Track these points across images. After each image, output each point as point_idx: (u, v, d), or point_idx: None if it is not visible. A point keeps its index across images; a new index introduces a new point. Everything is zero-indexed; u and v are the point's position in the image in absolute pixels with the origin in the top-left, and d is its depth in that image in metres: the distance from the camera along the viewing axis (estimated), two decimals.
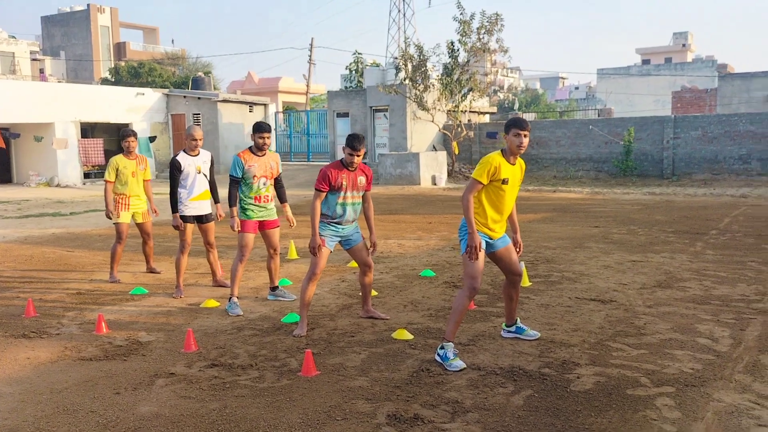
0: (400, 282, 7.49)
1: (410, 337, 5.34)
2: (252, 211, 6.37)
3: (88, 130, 28.04)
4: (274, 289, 6.80)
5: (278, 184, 6.60)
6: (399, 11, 48.17)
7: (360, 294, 6.22)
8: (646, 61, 64.85)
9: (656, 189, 19.54)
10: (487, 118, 30.10)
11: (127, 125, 28.06)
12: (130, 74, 42.46)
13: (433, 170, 23.14)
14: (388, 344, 5.19)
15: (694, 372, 4.40)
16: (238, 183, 6.31)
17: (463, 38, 23.63)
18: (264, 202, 6.39)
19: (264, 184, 6.35)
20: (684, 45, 67.53)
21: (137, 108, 28.20)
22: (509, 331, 5.25)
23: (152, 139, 27.63)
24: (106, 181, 7.83)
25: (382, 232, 11.56)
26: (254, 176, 6.25)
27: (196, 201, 6.99)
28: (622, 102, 50.95)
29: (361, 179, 5.57)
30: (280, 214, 6.75)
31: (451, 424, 3.71)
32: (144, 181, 8.01)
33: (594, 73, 61.93)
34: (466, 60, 23.87)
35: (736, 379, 4.28)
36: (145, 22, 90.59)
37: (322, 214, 5.52)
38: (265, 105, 31.03)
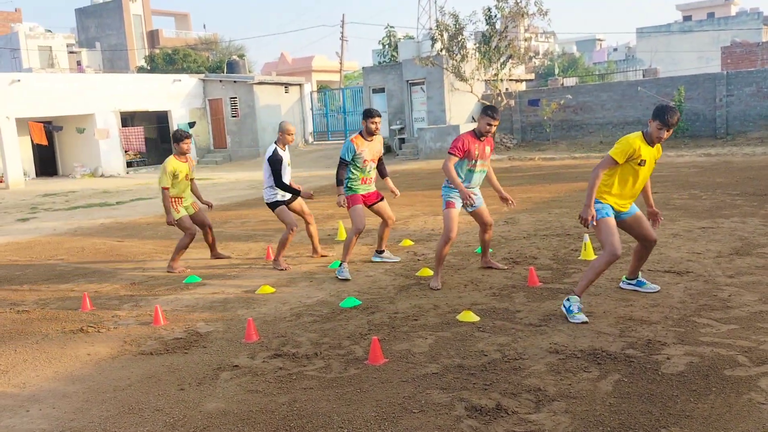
0: (457, 260, 7.22)
1: (476, 318, 5.08)
2: (359, 189, 6.84)
3: (127, 119, 28.29)
4: (380, 252, 7.39)
5: (380, 161, 7.03)
6: None
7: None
8: (687, 18, 62.33)
9: (711, 150, 18.72)
10: (524, 86, 29.33)
11: (165, 113, 28.22)
12: (166, 61, 42.68)
13: None
14: (454, 327, 4.95)
15: None
16: (347, 165, 6.73)
17: (500, 3, 22.93)
18: (368, 183, 6.91)
19: (371, 168, 6.86)
20: None
21: (175, 95, 28.29)
22: (629, 283, 5.54)
23: (191, 124, 27.71)
24: (163, 189, 7.38)
25: (429, 208, 11.29)
26: (365, 160, 6.74)
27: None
28: (664, 61, 49.09)
29: (487, 148, 6.14)
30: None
31: (537, 414, 3.45)
32: (191, 180, 7.79)
33: (633, 33, 59.84)
34: (504, 26, 23.16)
35: None
36: (176, 8, 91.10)
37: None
38: (300, 85, 30.83)
